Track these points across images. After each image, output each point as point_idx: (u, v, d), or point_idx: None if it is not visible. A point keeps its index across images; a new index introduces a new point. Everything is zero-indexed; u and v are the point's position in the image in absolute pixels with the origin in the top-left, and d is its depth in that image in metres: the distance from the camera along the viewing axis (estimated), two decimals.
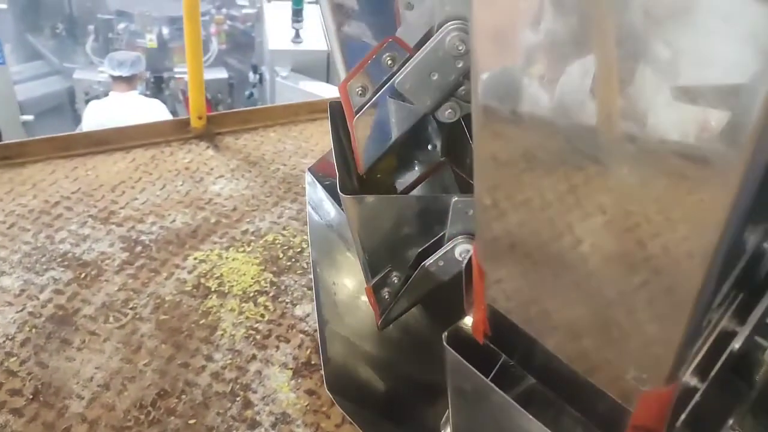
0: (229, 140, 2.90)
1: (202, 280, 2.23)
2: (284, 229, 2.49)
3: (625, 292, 0.54)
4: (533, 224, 0.58)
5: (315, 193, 1.39)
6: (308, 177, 1.40)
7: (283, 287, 2.25)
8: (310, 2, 6.22)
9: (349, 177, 0.99)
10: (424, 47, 0.84)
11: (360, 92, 0.89)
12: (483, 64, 0.55)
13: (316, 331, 2.11)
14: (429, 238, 1.01)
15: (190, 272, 2.25)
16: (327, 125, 3.10)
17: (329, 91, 5.62)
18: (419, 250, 1.02)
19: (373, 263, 1.03)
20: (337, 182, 0.95)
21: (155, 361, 1.93)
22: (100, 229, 2.40)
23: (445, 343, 0.76)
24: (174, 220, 2.46)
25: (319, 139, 2.98)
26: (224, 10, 6.51)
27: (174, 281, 2.21)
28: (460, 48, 0.83)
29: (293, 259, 2.36)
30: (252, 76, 6.40)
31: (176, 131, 2.87)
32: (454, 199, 0.95)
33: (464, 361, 0.73)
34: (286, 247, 2.41)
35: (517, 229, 0.60)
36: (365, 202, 0.95)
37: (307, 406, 1.85)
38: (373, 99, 0.88)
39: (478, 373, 0.71)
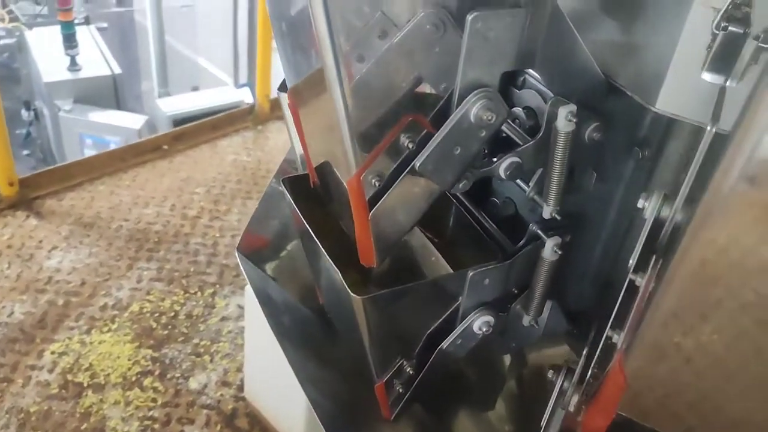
0: (51, 203, 2.51)
1: (69, 377, 1.90)
2: (148, 293, 2.21)
3: None
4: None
5: (259, 277, 1.23)
6: (241, 259, 1.22)
7: (167, 361, 2.00)
8: (79, 24, 5.62)
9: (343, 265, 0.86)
10: (447, 122, 0.74)
11: (377, 182, 0.77)
12: None
13: (219, 402, 1.91)
14: (439, 317, 0.92)
15: (51, 371, 1.91)
16: (160, 166, 2.83)
17: (123, 119, 5.15)
18: (428, 331, 0.92)
19: (382, 358, 0.92)
20: (341, 282, 0.82)
21: None
22: None
23: None
24: (12, 313, 2.07)
25: (157, 183, 2.69)
26: None
27: (34, 386, 1.86)
28: (489, 118, 0.74)
29: (169, 326, 2.11)
30: (25, 114, 5.64)
31: None
32: (470, 273, 0.87)
33: None
34: (157, 314, 2.14)
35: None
36: (382, 298, 0.83)
37: None
38: (394, 187, 0.77)
39: None
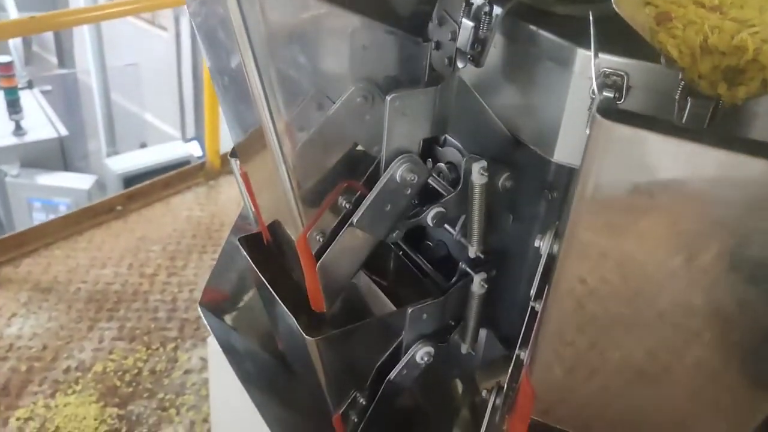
0: (8, 271, 2.54)
1: None
2: (111, 353, 2.26)
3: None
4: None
5: (221, 328, 1.32)
6: (203, 312, 1.32)
7: (134, 418, 2.06)
8: (23, 88, 5.65)
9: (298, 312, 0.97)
10: (377, 184, 0.87)
11: (320, 238, 0.89)
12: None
13: None
14: (386, 351, 1.03)
15: None
16: (115, 227, 2.88)
17: (71, 181, 5.17)
18: (377, 364, 1.04)
19: (337, 392, 1.03)
20: (296, 326, 0.93)
21: None
22: None
23: None
24: None
25: (114, 244, 2.75)
26: None
27: None
28: (412, 179, 0.88)
29: (133, 383, 2.17)
30: None
31: None
32: (410, 310, 1.00)
33: None
34: (120, 373, 2.20)
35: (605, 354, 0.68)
36: (333, 338, 0.94)
37: None
38: (335, 241, 0.89)
39: None
